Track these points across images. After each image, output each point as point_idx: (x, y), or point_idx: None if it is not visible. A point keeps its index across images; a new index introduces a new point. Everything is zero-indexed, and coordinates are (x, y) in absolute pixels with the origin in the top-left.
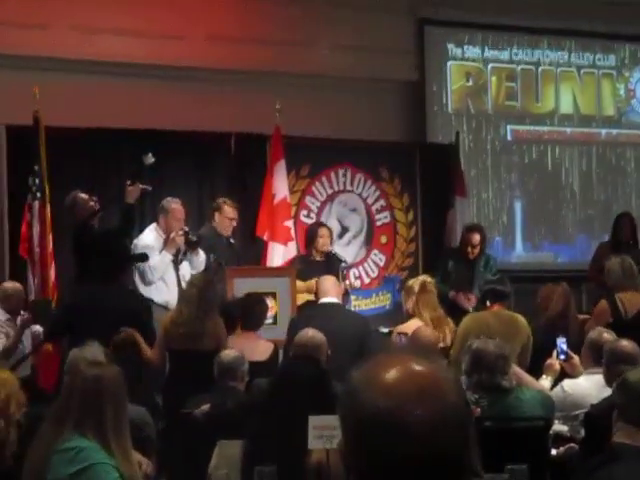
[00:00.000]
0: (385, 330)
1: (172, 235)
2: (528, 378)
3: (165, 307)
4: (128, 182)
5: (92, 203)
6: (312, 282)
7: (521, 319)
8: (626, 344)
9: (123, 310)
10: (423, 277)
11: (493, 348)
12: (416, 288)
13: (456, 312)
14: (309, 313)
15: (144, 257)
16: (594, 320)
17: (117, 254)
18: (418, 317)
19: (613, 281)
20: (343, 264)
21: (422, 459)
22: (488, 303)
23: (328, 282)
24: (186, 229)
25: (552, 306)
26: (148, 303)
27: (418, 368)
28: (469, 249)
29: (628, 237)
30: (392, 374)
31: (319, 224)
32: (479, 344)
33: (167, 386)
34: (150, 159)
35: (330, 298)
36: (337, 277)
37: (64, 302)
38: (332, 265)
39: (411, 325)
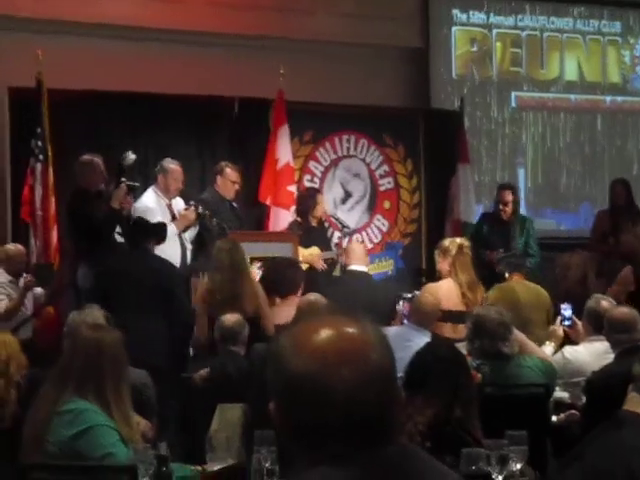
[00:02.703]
0: (408, 295)
1: (182, 212)
2: (531, 345)
3: None
4: (112, 187)
5: (101, 176)
6: (314, 250)
7: (543, 290)
8: (625, 311)
9: (159, 274)
10: (460, 240)
11: (494, 314)
12: (453, 250)
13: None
14: (342, 280)
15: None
16: (617, 287)
17: (141, 225)
18: (453, 279)
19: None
20: (346, 229)
21: (348, 420)
22: (507, 274)
23: (359, 249)
24: (195, 203)
25: (570, 274)
26: (177, 269)
27: (343, 330)
28: (501, 207)
29: (623, 202)
30: (317, 337)
31: (316, 190)
32: (480, 311)
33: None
34: (130, 158)
35: (361, 266)
36: (329, 244)
37: (93, 270)
38: (327, 232)
39: (442, 286)
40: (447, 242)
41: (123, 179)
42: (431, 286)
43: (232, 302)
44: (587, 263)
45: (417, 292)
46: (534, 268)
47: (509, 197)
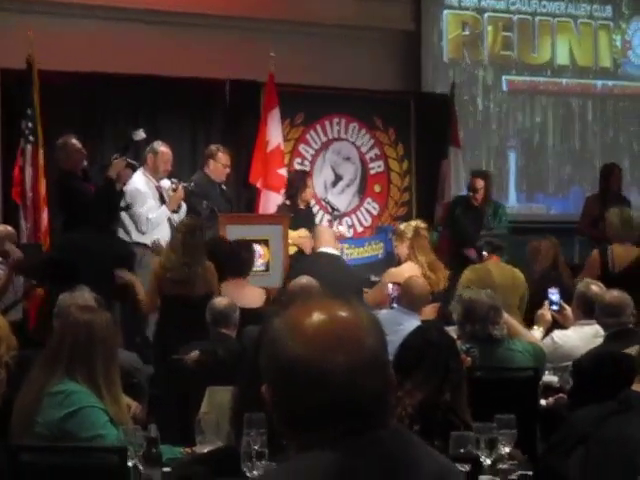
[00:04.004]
0: (376, 279)
1: (172, 193)
2: (520, 329)
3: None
4: (114, 156)
5: (80, 154)
6: (303, 232)
7: (518, 272)
8: (615, 295)
9: (111, 256)
10: (415, 222)
11: (485, 298)
12: (409, 233)
13: (457, 262)
14: (310, 263)
15: (128, 207)
16: (585, 272)
17: (109, 204)
18: (413, 261)
19: (612, 232)
20: (336, 212)
21: (341, 404)
22: (485, 254)
23: (327, 232)
24: (182, 183)
25: (541, 259)
26: (133, 249)
27: (336, 314)
28: (472, 193)
29: (617, 188)
30: (310, 322)
31: (305, 173)
32: (471, 295)
33: (158, 331)
34: (140, 134)
35: (330, 249)
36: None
37: (55, 248)
38: (314, 215)
39: (404, 270)
40: (402, 226)
41: (125, 157)
42: (393, 271)
43: (182, 284)
44: (557, 248)
45: (377, 278)
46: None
47: (480, 184)
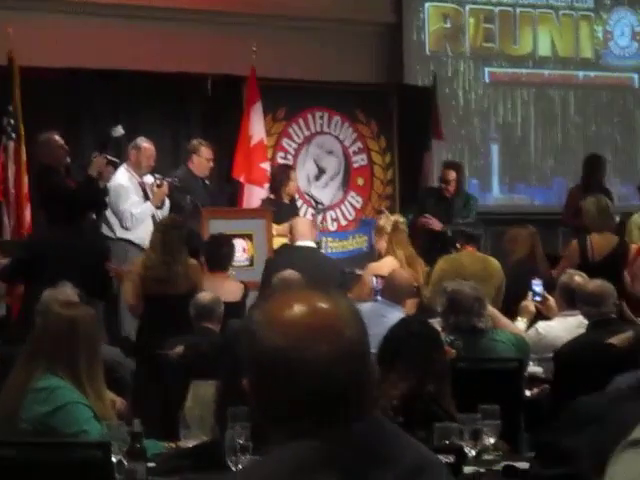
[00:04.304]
0: (360, 272)
1: (156, 189)
2: (504, 320)
3: (141, 247)
4: (94, 154)
5: (62, 150)
6: (287, 225)
7: (494, 261)
8: (596, 284)
9: (84, 250)
10: (395, 217)
11: (469, 290)
12: (388, 228)
13: (430, 255)
14: (286, 256)
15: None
16: (564, 262)
17: (91, 201)
18: (392, 255)
19: (589, 221)
20: (320, 206)
21: (321, 394)
22: (458, 245)
23: (305, 225)
24: (167, 178)
25: (518, 249)
26: (107, 244)
27: (315, 305)
28: (444, 186)
29: (600, 179)
30: (290, 312)
31: (289, 167)
32: (455, 286)
33: (141, 329)
34: (119, 131)
35: (307, 241)
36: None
37: (24, 242)
38: (297, 209)
39: (385, 263)
40: (382, 221)
41: (105, 154)
42: (374, 265)
43: (162, 282)
44: (534, 237)
45: (359, 270)
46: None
47: (452, 175)
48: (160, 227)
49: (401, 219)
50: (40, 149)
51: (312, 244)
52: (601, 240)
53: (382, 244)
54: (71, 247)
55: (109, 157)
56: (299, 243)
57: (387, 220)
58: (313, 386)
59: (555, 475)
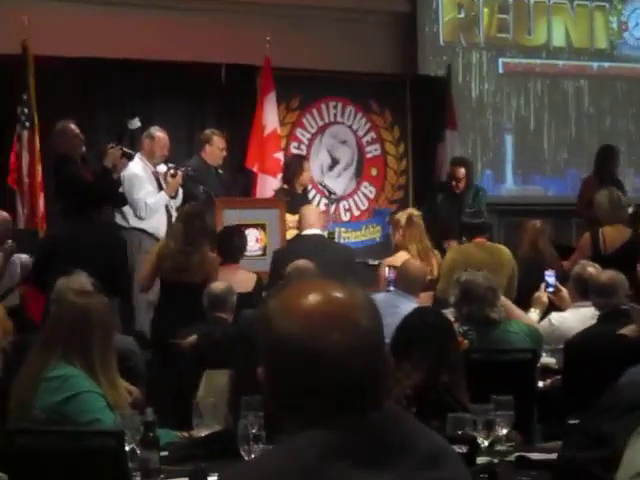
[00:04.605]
0: (374, 262)
1: (169, 178)
2: (517, 311)
3: (154, 236)
4: (110, 145)
5: (78, 140)
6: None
7: (505, 251)
8: (609, 275)
9: (98, 247)
10: (410, 210)
11: (482, 280)
12: (403, 221)
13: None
14: (292, 245)
15: (123, 201)
16: (576, 254)
17: (107, 192)
18: (405, 250)
19: (601, 213)
20: (333, 196)
21: (336, 383)
22: (464, 239)
23: (312, 213)
24: (181, 168)
25: (523, 242)
26: (123, 239)
27: (332, 294)
28: (454, 183)
29: (613, 170)
30: (305, 300)
31: (302, 157)
32: (468, 276)
33: (156, 316)
34: (136, 123)
35: (314, 230)
36: None
37: (41, 242)
38: (310, 200)
39: (399, 257)
40: (398, 215)
41: (121, 145)
42: (387, 260)
43: (180, 270)
44: (538, 230)
45: (375, 261)
46: None
47: (461, 173)
48: (182, 216)
49: (416, 212)
50: (56, 138)
51: (320, 232)
52: (613, 232)
53: (398, 238)
54: (87, 244)
55: (124, 149)
56: (306, 232)
57: (402, 213)
58: (328, 375)
59: (593, 458)
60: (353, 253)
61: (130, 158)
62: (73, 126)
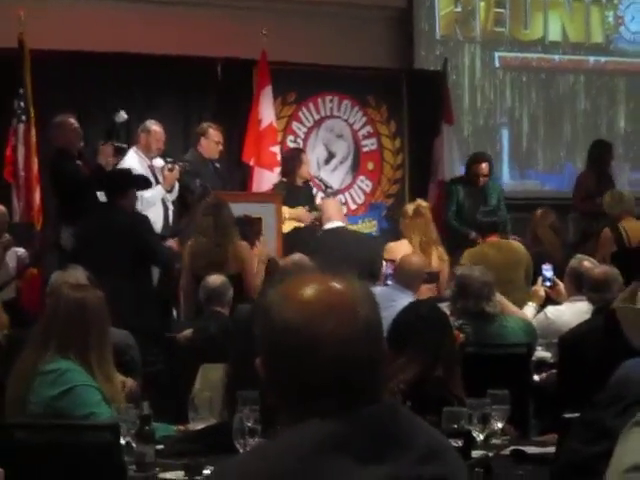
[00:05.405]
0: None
1: (166, 173)
2: (512, 307)
3: None
4: (101, 142)
5: (76, 134)
6: (301, 209)
7: (518, 246)
8: (603, 270)
9: (128, 229)
10: (419, 201)
11: (478, 274)
12: (409, 212)
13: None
14: (328, 238)
15: (147, 184)
16: (599, 249)
17: (117, 180)
18: (407, 240)
19: (625, 207)
20: (329, 190)
21: (333, 375)
22: (480, 240)
23: (334, 205)
24: (178, 163)
25: (526, 234)
26: (144, 216)
27: (331, 285)
28: (480, 179)
29: (607, 164)
30: (305, 291)
31: (301, 150)
32: (464, 271)
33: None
34: (122, 117)
35: (337, 222)
36: (314, 204)
37: (73, 233)
38: (312, 191)
39: (399, 246)
40: (407, 205)
41: (112, 141)
42: (390, 245)
43: (217, 266)
44: (537, 218)
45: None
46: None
47: (486, 170)
48: (210, 209)
49: (424, 204)
50: (54, 132)
51: (342, 224)
52: (635, 226)
53: (402, 227)
54: (119, 229)
55: (116, 144)
56: (329, 225)
57: (410, 204)
58: (326, 364)
59: (598, 452)
60: (378, 242)
61: (123, 152)
62: (72, 120)
